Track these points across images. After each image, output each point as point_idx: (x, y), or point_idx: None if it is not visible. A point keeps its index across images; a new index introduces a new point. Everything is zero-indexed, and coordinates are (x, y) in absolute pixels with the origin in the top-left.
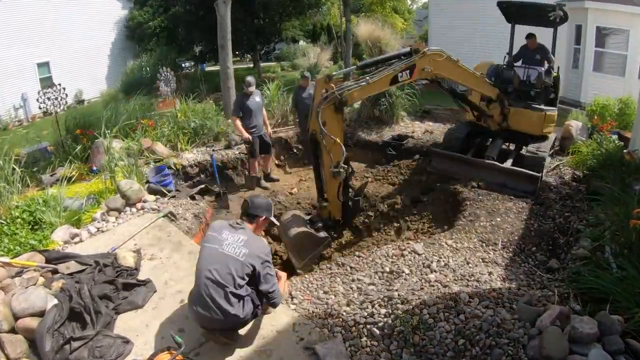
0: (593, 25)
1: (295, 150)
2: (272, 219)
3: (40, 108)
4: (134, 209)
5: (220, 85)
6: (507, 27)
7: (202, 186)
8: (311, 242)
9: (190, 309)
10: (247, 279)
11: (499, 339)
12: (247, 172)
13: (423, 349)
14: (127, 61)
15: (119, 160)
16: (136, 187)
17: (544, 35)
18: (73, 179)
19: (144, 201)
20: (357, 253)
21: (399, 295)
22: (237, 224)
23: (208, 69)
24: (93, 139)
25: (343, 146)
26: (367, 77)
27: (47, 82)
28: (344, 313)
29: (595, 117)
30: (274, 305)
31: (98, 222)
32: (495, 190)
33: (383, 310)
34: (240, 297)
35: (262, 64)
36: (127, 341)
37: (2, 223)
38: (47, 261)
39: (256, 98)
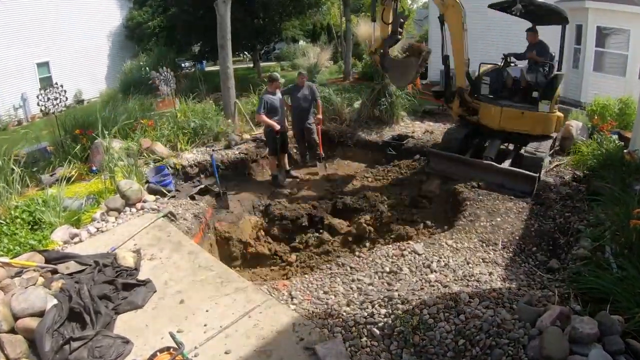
0: (593, 25)
1: (295, 150)
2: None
3: (40, 108)
4: (133, 209)
5: (220, 85)
6: (504, 28)
7: (202, 186)
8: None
9: None
10: None
11: (499, 339)
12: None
13: (423, 349)
14: (126, 61)
15: (118, 160)
16: (136, 187)
17: (548, 34)
18: (72, 179)
19: (144, 201)
20: (357, 253)
21: (399, 295)
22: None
23: (208, 68)
24: (92, 139)
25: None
26: None
27: (46, 82)
28: (344, 313)
29: (596, 117)
30: None
31: (98, 222)
32: (493, 191)
33: (383, 311)
34: None
35: (262, 64)
36: (126, 341)
37: (1, 223)
38: (47, 261)
39: (279, 95)
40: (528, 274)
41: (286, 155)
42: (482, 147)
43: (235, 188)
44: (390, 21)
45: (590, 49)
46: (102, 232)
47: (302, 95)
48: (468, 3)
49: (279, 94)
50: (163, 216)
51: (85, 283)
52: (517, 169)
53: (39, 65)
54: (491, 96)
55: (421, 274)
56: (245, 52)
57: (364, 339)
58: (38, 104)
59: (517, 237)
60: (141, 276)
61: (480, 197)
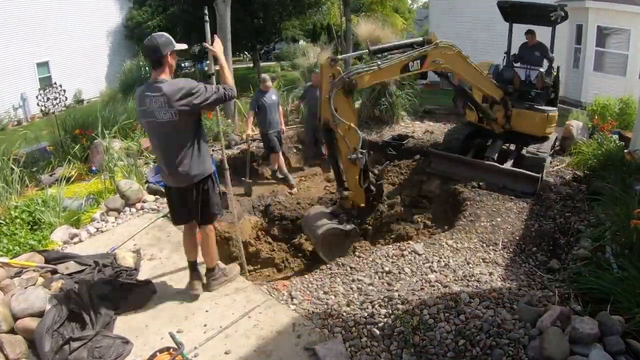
0: (594, 24)
1: (295, 150)
2: (178, 45)
3: (40, 108)
4: (133, 209)
5: None
6: (507, 26)
7: None
8: (340, 238)
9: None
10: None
11: (500, 339)
12: (246, 174)
13: (423, 350)
14: (125, 61)
15: (118, 160)
16: (135, 187)
17: (542, 34)
18: (72, 179)
19: (144, 201)
20: (357, 253)
21: (399, 295)
22: (154, 82)
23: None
24: (92, 139)
25: (358, 130)
26: (378, 62)
27: (46, 82)
28: (344, 313)
29: (596, 117)
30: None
31: (97, 222)
32: (494, 191)
33: (383, 311)
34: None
35: (262, 64)
36: (126, 341)
37: (1, 223)
38: (47, 261)
39: (272, 96)
40: (528, 274)
41: (277, 155)
42: (483, 147)
43: (234, 188)
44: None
45: (590, 49)
46: (102, 232)
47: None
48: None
49: (272, 94)
50: (163, 216)
51: (85, 283)
52: (519, 170)
53: (39, 65)
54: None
55: (421, 274)
56: (245, 52)
57: (364, 339)
58: (38, 104)
59: (517, 237)
60: (141, 276)
61: (481, 197)
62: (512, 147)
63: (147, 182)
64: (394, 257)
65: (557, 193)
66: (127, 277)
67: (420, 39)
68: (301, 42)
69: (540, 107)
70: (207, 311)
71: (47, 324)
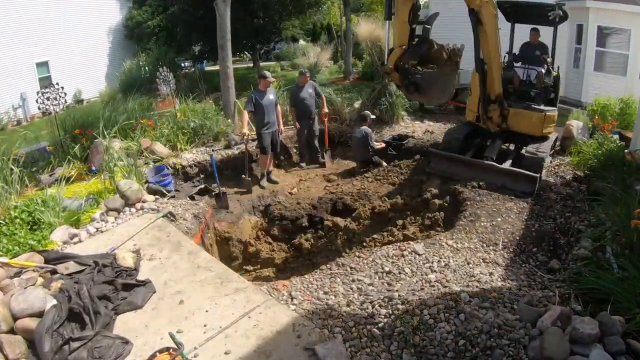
0: (594, 24)
1: (295, 150)
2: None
3: (39, 108)
4: (133, 209)
5: (220, 85)
6: (508, 26)
7: (202, 186)
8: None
9: None
10: None
11: (500, 339)
12: (244, 175)
13: (423, 350)
14: (125, 61)
15: (118, 160)
16: (135, 187)
17: (544, 34)
18: (72, 179)
19: (143, 201)
20: (357, 253)
21: (399, 295)
22: None
23: (207, 68)
24: (92, 139)
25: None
26: None
27: (46, 82)
28: (344, 313)
29: (596, 117)
30: None
31: (97, 222)
32: (494, 191)
33: (383, 311)
34: None
35: (262, 64)
36: (126, 342)
37: (1, 223)
38: (46, 261)
39: (270, 96)
40: (529, 274)
41: (273, 156)
42: (482, 147)
43: (235, 188)
44: (411, 22)
45: (591, 49)
46: (102, 232)
47: (306, 95)
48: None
49: (269, 94)
50: (163, 216)
51: (85, 283)
52: (518, 169)
53: (38, 65)
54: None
55: (421, 274)
56: (245, 52)
57: (364, 339)
58: (37, 102)
59: (517, 238)
60: (141, 276)
61: (481, 197)
62: (512, 147)
63: (146, 182)
64: (394, 257)
65: (558, 193)
66: (127, 277)
67: None
68: (301, 42)
69: (537, 106)
70: (207, 311)
71: (47, 324)
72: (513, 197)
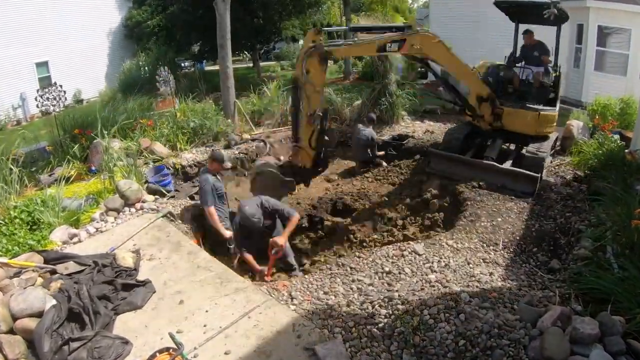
0: (594, 24)
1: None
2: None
3: (38, 108)
4: (132, 209)
5: (220, 85)
6: (509, 25)
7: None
8: (276, 182)
9: None
10: None
11: (500, 339)
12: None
13: (423, 350)
14: (125, 60)
15: (117, 160)
16: (135, 187)
17: (548, 34)
18: (71, 179)
19: (143, 201)
20: (357, 253)
21: (399, 295)
22: None
23: (207, 68)
24: (92, 139)
25: (323, 97)
26: (356, 39)
27: (45, 82)
28: (344, 314)
29: (597, 117)
30: None
31: (97, 222)
32: (494, 191)
33: (383, 311)
34: None
35: (262, 64)
36: (126, 342)
37: (0, 223)
38: (46, 261)
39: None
40: (529, 274)
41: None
42: (483, 147)
43: (235, 188)
44: (316, 146)
45: (591, 49)
46: (101, 232)
47: (253, 210)
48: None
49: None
50: (162, 216)
51: (85, 283)
52: (519, 169)
53: (38, 64)
54: (503, 99)
55: (421, 275)
56: (245, 52)
57: (364, 339)
58: (37, 102)
59: (518, 238)
60: (140, 276)
61: (481, 197)
62: (512, 147)
63: (146, 182)
64: (394, 257)
65: (558, 193)
66: (127, 277)
67: (401, 24)
68: (301, 42)
69: (532, 105)
70: (207, 311)
71: (47, 324)
72: (513, 197)
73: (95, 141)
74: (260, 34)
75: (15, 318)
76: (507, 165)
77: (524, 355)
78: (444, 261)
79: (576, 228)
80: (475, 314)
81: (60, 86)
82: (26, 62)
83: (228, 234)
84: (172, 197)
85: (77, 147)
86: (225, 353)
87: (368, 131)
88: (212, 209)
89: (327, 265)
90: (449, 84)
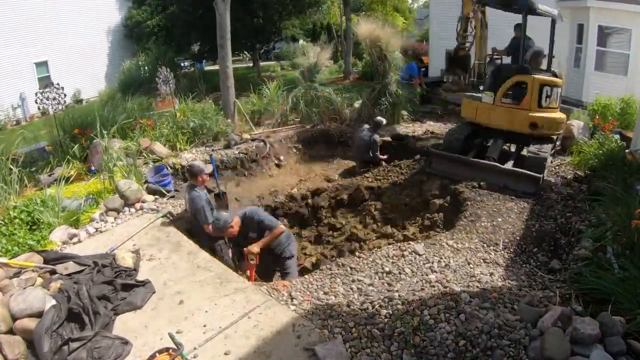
0: (595, 24)
1: (295, 150)
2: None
3: (38, 108)
4: (132, 209)
5: (220, 85)
6: (508, 24)
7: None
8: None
9: None
10: None
11: (500, 340)
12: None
13: (424, 350)
14: (125, 60)
15: (117, 160)
16: (135, 187)
17: (546, 33)
18: (71, 179)
19: (143, 201)
20: (357, 253)
21: (399, 296)
22: None
23: (207, 68)
24: (91, 139)
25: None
26: None
27: (45, 82)
28: (344, 314)
29: (597, 117)
30: None
31: (96, 222)
32: (495, 191)
33: (383, 311)
34: None
35: (262, 63)
36: (125, 342)
37: (0, 223)
38: (46, 262)
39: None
40: (529, 274)
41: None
42: (484, 147)
43: (235, 188)
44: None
45: (591, 48)
46: (101, 232)
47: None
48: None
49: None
50: (162, 216)
51: (84, 283)
52: (520, 170)
53: (38, 64)
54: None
55: (422, 275)
56: (245, 52)
57: (364, 339)
58: (36, 102)
59: (518, 238)
60: (140, 277)
61: (481, 197)
62: (513, 147)
63: (146, 182)
64: (394, 257)
65: (558, 193)
66: (127, 278)
67: None
68: (301, 42)
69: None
70: (206, 312)
71: (46, 325)
72: (514, 197)
73: (94, 141)
74: (260, 34)
75: (14, 318)
76: (509, 165)
77: (525, 355)
78: (444, 261)
79: (576, 228)
80: (475, 314)
81: (60, 86)
82: (26, 62)
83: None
84: (172, 197)
85: (76, 147)
86: (225, 353)
87: (368, 133)
88: (213, 226)
89: (327, 266)
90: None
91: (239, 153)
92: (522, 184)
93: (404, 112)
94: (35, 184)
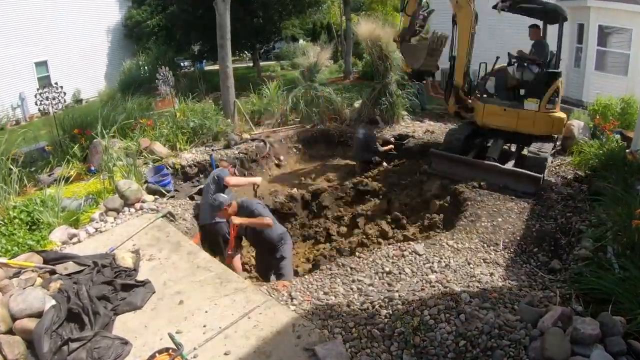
0: (595, 24)
1: (295, 150)
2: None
3: (38, 108)
4: (132, 209)
5: (220, 85)
6: (510, 25)
7: (202, 186)
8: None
9: None
10: None
11: (501, 340)
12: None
13: (424, 350)
14: (125, 60)
15: (117, 160)
16: (135, 187)
17: (550, 34)
18: (71, 179)
19: (143, 201)
20: (357, 253)
21: (399, 296)
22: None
23: (207, 68)
24: (91, 139)
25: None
26: None
27: (45, 82)
28: (344, 314)
29: (598, 117)
30: None
31: (96, 222)
32: (495, 191)
33: (383, 311)
34: None
35: (262, 63)
36: (125, 342)
37: (0, 223)
38: (45, 262)
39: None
40: (529, 274)
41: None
42: (484, 147)
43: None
44: (410, 13)
45: (592, 48)
46: (101, 232)
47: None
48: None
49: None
50: (162, 216)
51: (84, 284)
52: (521, 170)
53: (37, 64)
54: (496, 95)
55: (422, 275)
56: (245, 52)
57: (364, 339)
58: (36, 102)
59: (518, 238)
60: (140, 277)
61: (482, 197)
62: (513, 147)
63: (146, 182)
64: (394, 257)
65: (559, 193)
66: (126, 278)
67: None
68: (301, 42)
69: (519, 103)
70: (206, 312)
71: (46, 325)
72: (514, 197)
73: (94, 141)
74: (260, 34)
75: (14, 318)
76: (509, 165)
77: (525, 355)
78: (444, 261)
79: (577, 228)
80: (475, 314)
81: (60, 86)
82: (25, 62)
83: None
84: (172, 197)
85: (76, 147)
86: (225, 354)
87: (367, 131)
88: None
89: (327, 266)
90: (452, 66)
91: (238, 153)
92: (523, 184)
93: (404, 112)
94: (35, 184)
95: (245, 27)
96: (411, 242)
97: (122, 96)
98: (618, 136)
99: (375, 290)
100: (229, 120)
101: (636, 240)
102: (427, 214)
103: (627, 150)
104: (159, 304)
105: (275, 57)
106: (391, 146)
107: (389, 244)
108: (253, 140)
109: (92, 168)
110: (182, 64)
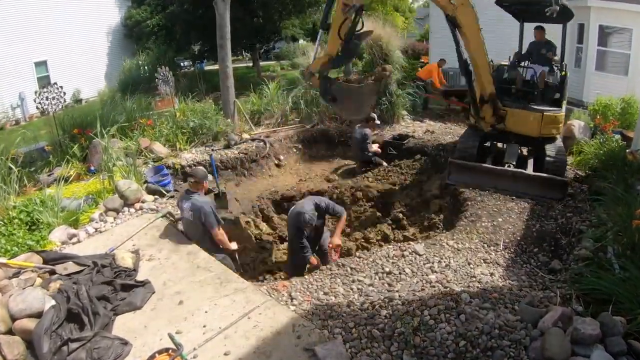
0: (595, 23)
1: (295, 150)
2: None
3: (37, 108)
4: (132, 209)
5: (220, 85)
6: (509, 26)
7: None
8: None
9: None
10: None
11: (501, 340)
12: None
13: (424, 351)
14: (125, 60)
15: (117, 160)
16: (134, 187)
17: (553, 33)
18: (71, 179)
19: (143, 201)
20: (357, 254)
21: (399, 296)
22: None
23: (207, 68)
24: (91, 139)
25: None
26: None
27: (45, 81)
28: (344, 314)
29: (598, 117)
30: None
31: (96, 222)
32: (496, 191)
33: (384, 312)
34: None
35: (262, 63)
36: (125, 342)
37: None
38: (45, 262)
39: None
40: (530, 274)
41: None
42: (494, 151)
43: (235, 188)
44: (344, 37)
45: (592, 48)
46: (101, 232)
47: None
48: None
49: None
50: (162, 216)
51: (84, 284)
52: (547, 175)
53: (37, 64)
54: (506, 99)
55: (422, 275)
56: (245, 52)
57: (364, 340)
58: (35, 102)
59: (518, 238)
60: (140, 277)
61: (482, 197)
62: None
63: (145, 182)
64: (394, 257)
65: None
66: (126, 278)
67: None
68: (301, 41)
69: (536, 107)
70: (206, 312)
71: (46, 325)
72: (514, 197)
73: (94, 141)
74: (260, 34)
75: (14, 318)
76: (530, 170)
77: (525, 356)
78: (444, 261)
79: (577, 228)
80: (475, 314)
81: (60, 86)
82: (25, 62)
83: (234, 246)
84: (172, 197)
85: (76, 147)
86: (225, 354)
87: (363, 130)
88: (222, 230)
89: (327, 266)
90: (469, 72)
91: (238, 153)
92: (549, 189)
93: (404, 112)
94: (34, 183)
95: (245, 27)
96: (411, 242)
97: (121, 96)
98: (618, 136)
99: (376, 291)
100: (228, 120)
101: (636, 240)
102: (427, 214)
103: (628, 150)
104: (158, 304)
105: (275, 57)
106: (379, 150)
107: (389, 244)
108: (253, 140)
109: (92, 168)
110: (182, 63)
